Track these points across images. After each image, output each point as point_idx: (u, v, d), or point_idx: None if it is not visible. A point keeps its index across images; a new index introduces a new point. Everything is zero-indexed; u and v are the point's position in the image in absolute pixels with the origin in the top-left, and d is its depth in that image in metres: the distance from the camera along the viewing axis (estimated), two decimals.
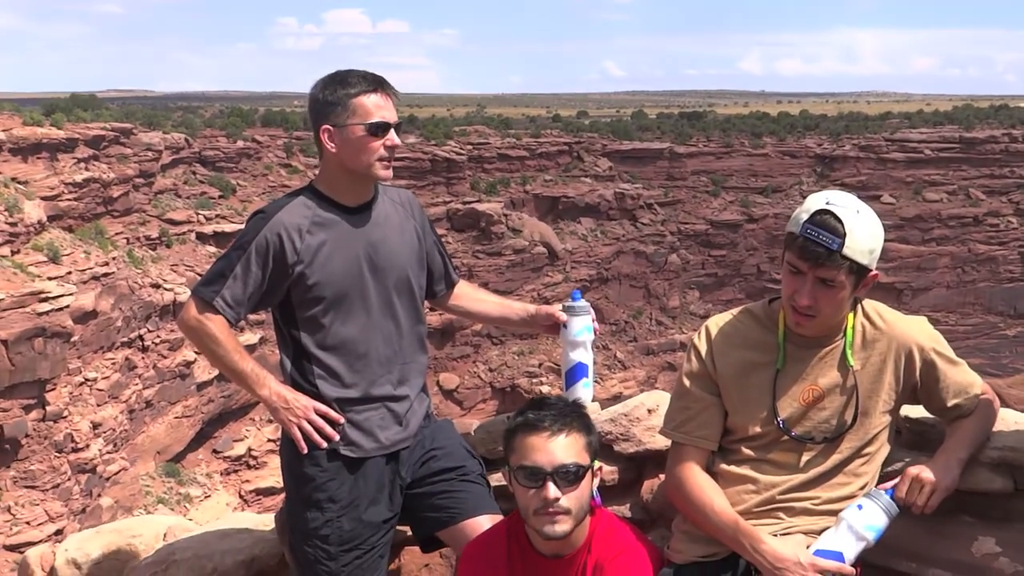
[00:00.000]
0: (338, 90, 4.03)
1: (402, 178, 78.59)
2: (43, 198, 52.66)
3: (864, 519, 3.49)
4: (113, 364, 50.82)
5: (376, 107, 4.03)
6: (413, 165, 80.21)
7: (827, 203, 3.44)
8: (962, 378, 3.69)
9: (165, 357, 54.67)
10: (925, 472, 3.54)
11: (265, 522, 4.81)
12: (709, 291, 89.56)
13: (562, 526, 3.45)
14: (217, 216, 65.90)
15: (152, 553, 4.82)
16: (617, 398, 4.56)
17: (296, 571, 4.24)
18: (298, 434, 4.03)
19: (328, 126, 4.03)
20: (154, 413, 55.33)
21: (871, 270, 3.49)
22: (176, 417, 55.59)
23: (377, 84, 4.06)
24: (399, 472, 4.20)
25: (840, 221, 3.39)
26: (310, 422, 4.03)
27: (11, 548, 40.97)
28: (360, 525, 4.11)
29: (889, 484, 3.60)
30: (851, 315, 3.63)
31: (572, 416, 3.49)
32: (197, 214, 65.13)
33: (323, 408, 4.06)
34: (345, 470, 4.10)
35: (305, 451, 4.04)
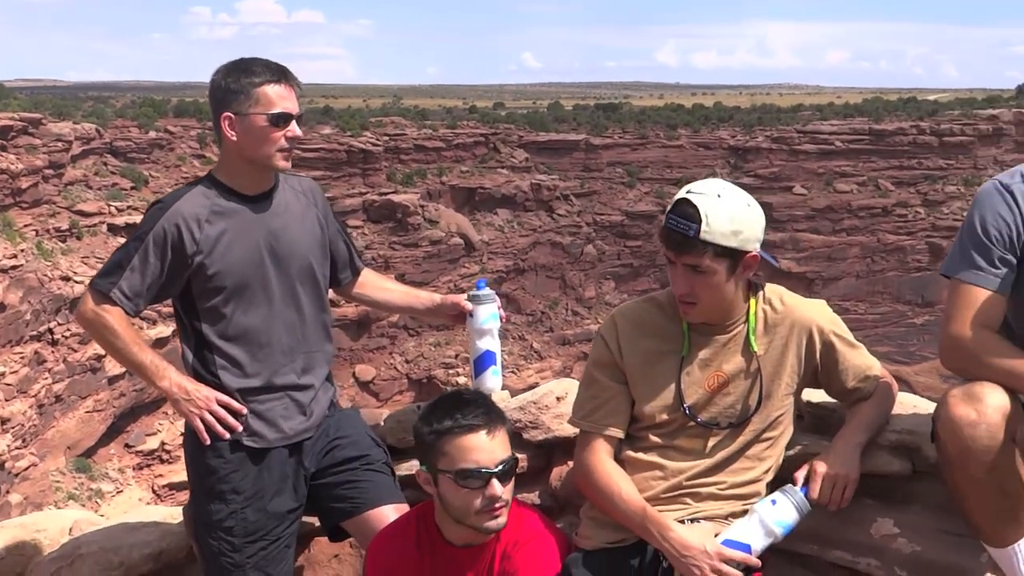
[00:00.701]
0: (241, 78, 3.98)
1: (317, 169, 78.09)
2: None
3: (775, 514, 3.55)
4: (22, 358, 49.93)
5: (279, 97, 3.99)
6: (329, 156, 79.70)
7: (687, 192, 3.49)
8: (861, 361, 3.76)
9: (75, 351, 53.76)
10: (834, 468, 3.60)
11: (173, 515, 4.76)
12: (625, 281, 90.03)
13: (503, 518, 3.49)
14: (129, 208, 64.81)
15: (57, 548, 4.74)
16: (533, 388, 4.55)
17: (202, 563, 4.20)
18: (200, 425, 3.99)
19: (229, 114, 3.98)
20: (64, 408, 54.42)
21: (746, 251, 3.53)
22: (87, 411, 54.73)
23: (280, 74, 4.03)
24: (303, 462, 4.19)
25: (695, 207, 3.43)
26: (212, 413, 3.99)
27: None
28: (265, 516, 4.08)
29: (799, 473, 3.65)
30: (753, 300, 3.69)
31: (494, 411, 3.51)
32: (108, 206, 64.05)
33: (225, 399, 4.02)
34: (248, 461, 4.07)
35: (207, 442, 4.01)
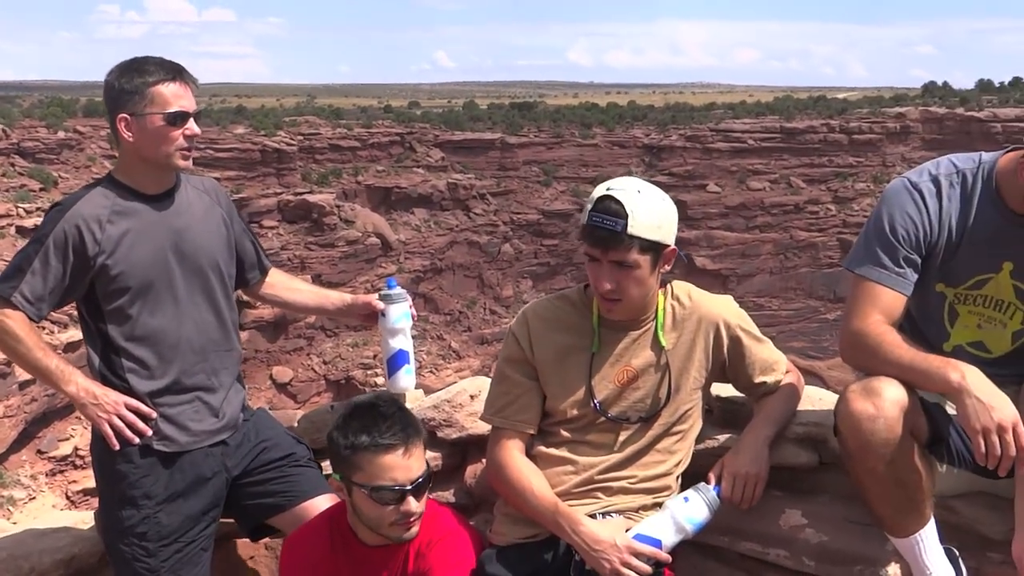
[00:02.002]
0: (135, 78, 3.92)
1: (231, 169, 77.43)
2: None
3: (687, 511, 3.60)
4: None
5: (175, 96, 3.94)
6: (243, 156, 79.07)
7: (608, 189, 3.53)
8: (767, 355, 3.83)
9: None
10: (744, 467, 3.68)
11: (84, 520, 4.68)
12: (542, 280, 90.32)
13: (416, 528, 3.53)
14: (38, 209, 63.56)
15: None
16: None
17: (115, 570, 4.14)
18: (109, 431, 3.92)
19: (125, 115, 3.92)
20: None
21: (667, 245, 3.58)
22: None
23: (175, 72, 3.97)
24: (225, 464, 4.15)
25: (620, 203, 3.47)
26: (121, 417, 3.93)
27: None
28: (178, 519, 4.04)
29: (712, 472, 3.73)
30: (661, 296, 3.73)
31: (411, 426, 3.50)
32: (17, 207, 62.87)
33: (134, 403, 3.96)
34: (160, 465, 4.02)
35: (117, 448, 3.94)
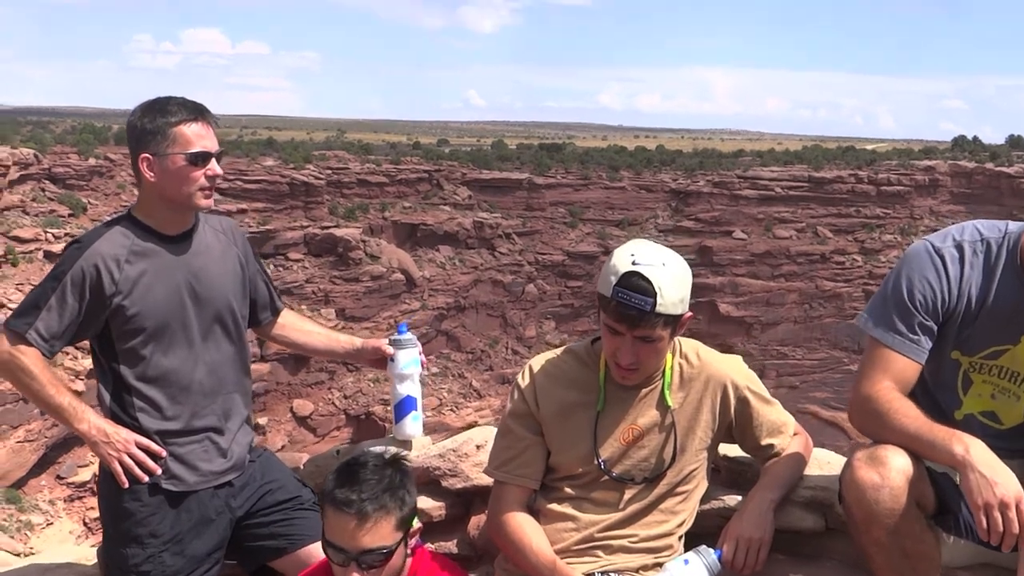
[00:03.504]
0: (158, 118, 3.94)
1: (259, 201, 77.83)
2: None
3: (686, 574, 3.55)
4: None
5: (197, 136, 3.95)
6: (271, 188, 79.53)
7: (633, 263, 3.45)
8: (776, 417, 3.80)
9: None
10: (747, 532, 3.62)
11: (88, 556, 4.68)
12: (565, 321, 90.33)
13: None
14: (67, 235, 63.97)
15: None
16: (472, 427, 4.55)
17: None
18: (119, 468, 3.92)
19: (147, 155, 3.94)
20: None
21: (684, 313, 3.54)
22: (18, 441, 53.87)
23: (198, 112, 3.99)
24: (229, 504, 4.14)
25: (649, 281, 3.41)
26: (131, 456, 3.93)
27: None
28: (182, 560, 4.02)
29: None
30: (668, 355, 3.69)
31: (385, 495, 3.36)
32: (45, 232, 63.35)
33: (144, 441, 3.96)
34: (167, 504, 4.01)
35: (126, 485, 3.94)
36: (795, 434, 3.86)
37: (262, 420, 71.79)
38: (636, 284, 3.42)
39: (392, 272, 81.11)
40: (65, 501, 56.00)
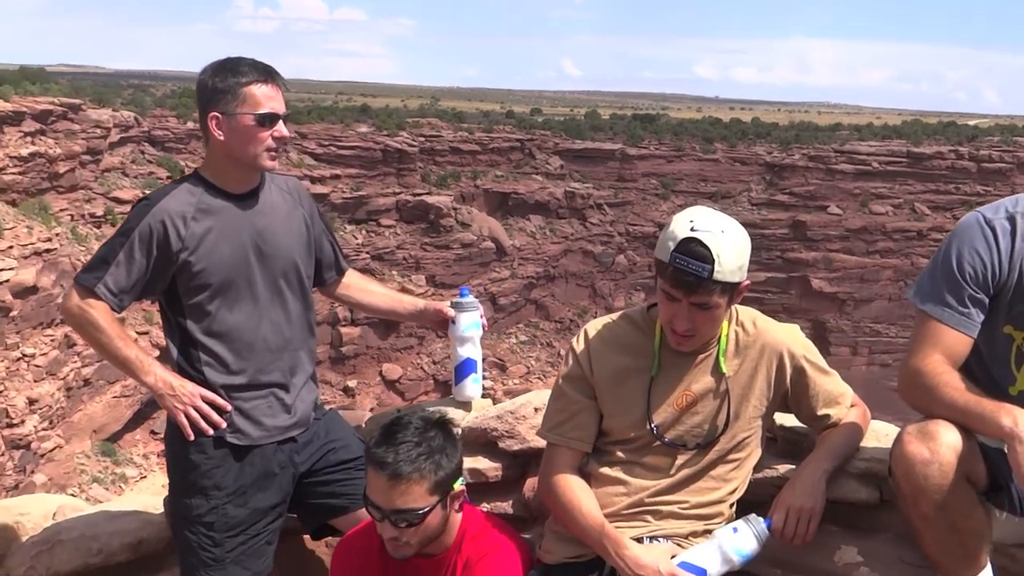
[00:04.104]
0: (228, 78, 3.99)
1: (352, 167, 78.41)
2: None
3: (735, 542, 3.53)
4: (52, 341, 50.29)
5: (266, 97, 4.00)
6: (364, 155, 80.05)
7: (692, 229, 3.43)
8: (833, 388, 3.76)
9: None
10: (799, 501, 3.59)
11: (155, 505, 4.77)
12: (655, 293, 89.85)
13: (404, 552, 3.53)
14: None
15: (39, 532, 4.78)
16: None
17: (180, 557, 4.22)
18: (184, 421, 4.01)
19: (216, 113, 3.99)
20: (92, 391, 54.82)
21: (741, 281, 3.52)
22: (114, 396, 55.08)
23: (267, 74, 4.04)
24: (293, 460, 4.21)
25: (707, 247, 3.39)
26: (196, 409, 4.01)
27: None
28: (246, 512, 4.10)
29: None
30: (725, 322, 3.68)
31: (421, 458, 3.44)
32: (144, 194, 64.34)
33: (210, 395, 4.04)
34: (231, 457, 4.09)
35: (192, 438, 4.02)
36: (853, 405, 3.82)
37: (352, 383, 72.64)
38: (694, 250, 3.41)
39: (482, 240, 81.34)
40: (158, 456, 57.13)
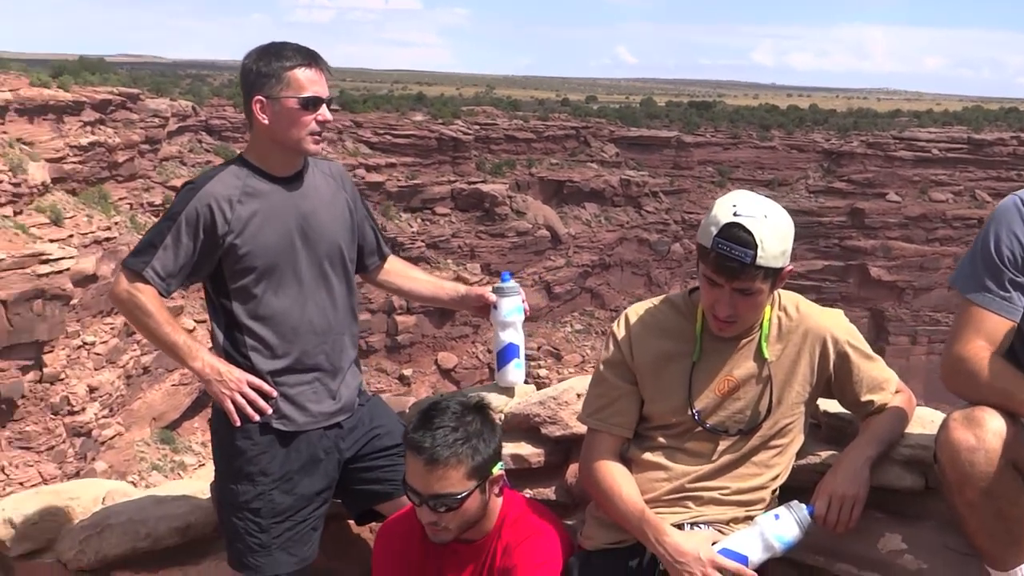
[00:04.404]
0: (272, 62, 4.01)
1: (407, 155, 78.62)
2: (48, 160, 52.78)
3: (777, 529, 3.50)
4: (112, 329, 50.92)
5: (310, 81, 4.02)
6: (420, 143, 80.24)
7: (735, 214, 3.40)
8: (877, 374, 3.71)
9: None
10: (842, 488, 3.55)
11: (203, 490, 4.82)
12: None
13: (443, 536, 3.55)
14: None
15: (88, 516, 4.85)
16: None
17: (227, 542, 4.25)
18: (230, 407, 4.02)
19: (261, 97, 4.01)
20: (151, 379, 55.48)
21: (784, 266, 3.49)
22: (173, 385, 55.71)
23: (311, 58, 4.05)
24: (338, 445, 4.23)
25: (750, 233, 3.36)
26: (243, 395, 4.03)
27: None
28: (292, 498, 4.12)
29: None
30: (768, 307, 3.64)
31: (458, 443, 3.46)
32: None
33: (256, 381, 4.06)
34: (277, 443, 4.11)
35: (238, 424, 4.04)
36: (898, 391, 3.77)
37: (407, 371, 72.93)
38: (737, 235, 3.38)
39: (537, 228, 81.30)
40: None
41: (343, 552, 4.64)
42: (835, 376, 3.69)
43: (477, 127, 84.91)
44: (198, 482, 5.12)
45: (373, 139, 79.24)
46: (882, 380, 3.72)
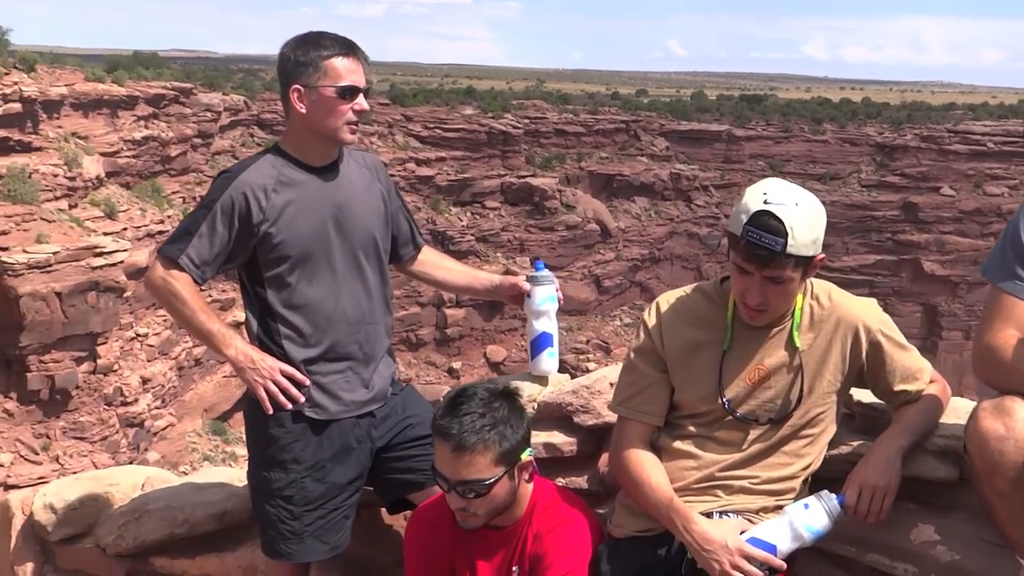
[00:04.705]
0: (310, 51, 4.03)
1: (457, 149, 78.69)
2: (102, 154, 53.42)
3: (806, 519, 3.48)
4: (164, 321, 51.37)
5: (347, 70, 4.03)
6: (469, 137, 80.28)
7: (765, 202, 3.38)
8: (910, 363, 3.67)
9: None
10: (872, 478, 3.51)
11: (240, 477, 4.86)
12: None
13: (472, 522, 3.56)
14: None
15: (127, 502, 4.91)
16: None
17: (260, 529, 4.29)
18: (263, 395, 4.05)
19: (298, 86, 4.03)
20: (203, 371, 56.00)
21: (816, 255, 3.46)
22: (224, 376, 56.11)
23: (348, 48, 4.06)
24: (370, 434, 4.25)
25: (780, 220, 3.34)
26: (276, 383, 4.06)
27: None
28: (324, 486, 4.15)
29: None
30: (800, 296, 3.62)
31: (485, 428, 3.47)
32: None
33: (289, 369, 4.09)
34: (310, 431, 4.13)
35: (270, 412, 4.07)
36: (932, 381, 3.72)
37: (456, 364, 73.08)
38: (767, 223, 3.36)
39: (587, 222, 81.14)
40: None
41: (375, 540, 4.68)
42: (867, 365, 3.65)
43: (527, 121, 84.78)
44: (235, 470, 5.17)
45: (423, 133, 79.39)
46: (915, 370, 3.68)
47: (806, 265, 3.46)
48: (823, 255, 3.50)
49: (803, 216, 3.39)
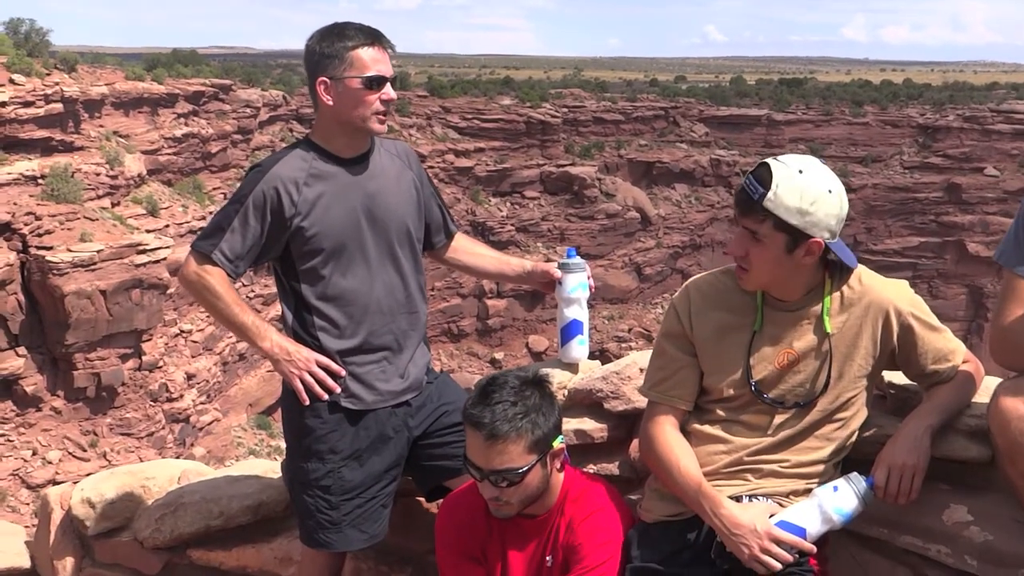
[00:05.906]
0: (335, 42, 4.03)
1: (496, 139, 78.63)
2: (143, 152, 53.85)
3: (836, 501, 3.46)
4: (207, 317, 51.64)
5: (373, 60, 4.03)
6: (508, 127, 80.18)
7: (776, 159, 3.43)
8: (943, 344, 3.63)
9: (260, 311, 55.54)
10: (900, 457, 3.48)
11: (275, 469, 4.90)
12: None
13: (505, 511, 3.57)
14: None
15: (163, 495, 4.95)
16: None
17: (298, 519, 4.32)
18: (300, 386, 4.08)
19: (325, 78, 4.04)
20: (247, 366, 56.32)
21: (809, 236, 3.42)
22: (268, 371, 56.26)
23: (374, 37, 4.06)
24: (407, 423, 4.27)
25: (771, 174, 3.38)
26: (312, 374, 4.09)
27: None
28: (361, 475, 4.18)
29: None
30: (829, 279, 3.59)
31: (517, 417, 3.46)
32: None
33: (324, 360, 4.11)
34: (346, 422, 4.16)
35: (307, 403, 4.10)
36: (965, 361, 3.69)
37: (498, 355, 73.13)
38: (758, 172, 3.43)
39: (627, 210, 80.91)
40: None
41: (413, 528, 4.69)
42: (899, 348, 3.62)
43: (565, 110, 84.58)
44: (269, 461, 5.20)
45: (461, 124, 79.39)
46: (948, 351, 3.64)
47: (791, 236, 3.42)
48: (820, 241, 3.45)
49: (798, 181, 3.40)
